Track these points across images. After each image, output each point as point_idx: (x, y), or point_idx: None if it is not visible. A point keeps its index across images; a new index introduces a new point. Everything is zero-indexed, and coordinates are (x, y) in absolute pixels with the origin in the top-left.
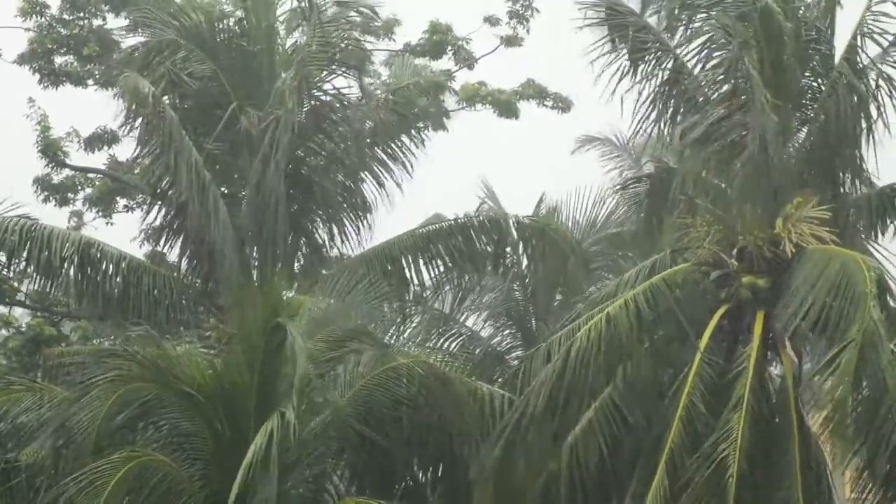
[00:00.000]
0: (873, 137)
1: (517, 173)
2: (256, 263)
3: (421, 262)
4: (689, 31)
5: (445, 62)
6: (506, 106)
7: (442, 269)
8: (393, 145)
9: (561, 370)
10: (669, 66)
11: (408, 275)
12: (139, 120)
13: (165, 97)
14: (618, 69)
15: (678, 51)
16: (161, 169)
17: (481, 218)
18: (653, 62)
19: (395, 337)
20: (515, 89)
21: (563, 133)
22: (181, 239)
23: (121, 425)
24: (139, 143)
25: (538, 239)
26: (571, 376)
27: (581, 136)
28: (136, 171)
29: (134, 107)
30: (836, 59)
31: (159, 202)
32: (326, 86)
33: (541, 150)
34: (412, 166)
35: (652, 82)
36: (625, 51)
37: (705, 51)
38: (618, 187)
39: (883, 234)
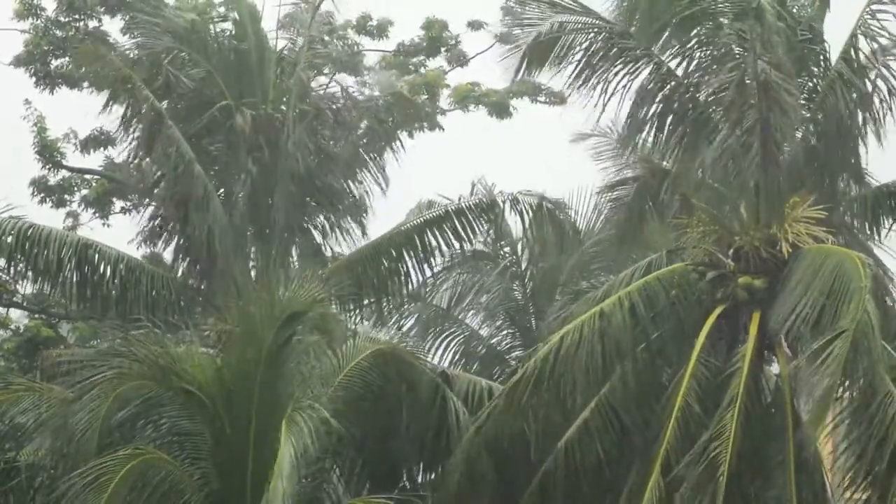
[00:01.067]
0: (875, 136)
1: (514, 173)
2: (254, 262)
3: (420, 253)
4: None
5: (439, 61)
6: (498, 106)
7: (439, 259)
8: (381, 148)
9: (552, 363)
10: (649, 70)
11: (405, 268)
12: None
13: (164, 102)
14: (586, 77)
15: (665, 56)
16: (146, 153)
17: (476, 199)
18: (631, 67)
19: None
20: (508, 88)
21: (560, 132)
22: (177, 237)
23: (121, 423)
24: (121, 124)
25: (535, 212)
26: (562, 369)
27: (577, 132)
28: (132, 165)
29: (96, 73)
30: (832, 58)
31: (154, 200)
32: (322, 86)
33: (538, 149)
34: (395, 169)
35: (637, 86)
36: (585, 59)
37: (708, 54)
38: (600, 190)
39: (879, 234)
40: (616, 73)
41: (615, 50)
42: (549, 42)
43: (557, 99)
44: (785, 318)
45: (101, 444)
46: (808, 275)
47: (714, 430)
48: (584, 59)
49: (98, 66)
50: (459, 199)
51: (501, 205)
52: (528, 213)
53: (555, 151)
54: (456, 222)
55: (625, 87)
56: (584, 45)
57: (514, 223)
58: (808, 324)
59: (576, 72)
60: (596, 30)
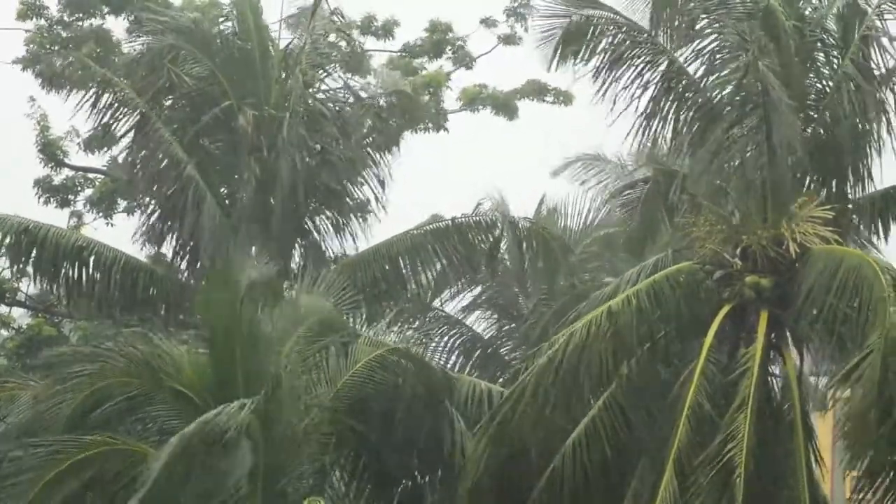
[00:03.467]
0: (880, 138)
1: (520, 172)
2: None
3: (418, 261)
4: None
5: (443, 62)
6: (504, 105)
7: (439, 267)
8: (385, 148)
9: (558, 362)
10: (663, 68)
11: (405, 274)
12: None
13: (169, 99)
14: (606, 72)
15: (676, 53)
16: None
17: (478, 218)
18: (646, 64)
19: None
20: (515, 88)
21: (565, 132)
22: (177, 237)
23: (106, 420)
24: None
25: (534, 241)
26: (568, 368)
27: (565, 158)
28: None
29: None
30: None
31: (147, 198)
32: (324, 86)
33: (540, 148)
34: (397, 168)
35: (646, 84)
36: (607, 54)
37: (715, 54)
38: (609, 195)
39: (886, 235)
40: (633, 71)
41: (635, 48)
42: (578, 33)
43: (564, 98)
44: (804, 323)
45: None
46: (824, 278)
47: (728, 432)
48: (606, 55)
49: (83, 72)
50: (463, 216)
51: (500, 226)
52: (525, 240)
53: (557, 150)
54: (457, 238)
55: (643, 85)
56: (607, 41)
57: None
58: (828, 330)
59: (600, 65)
60: (617, 26)
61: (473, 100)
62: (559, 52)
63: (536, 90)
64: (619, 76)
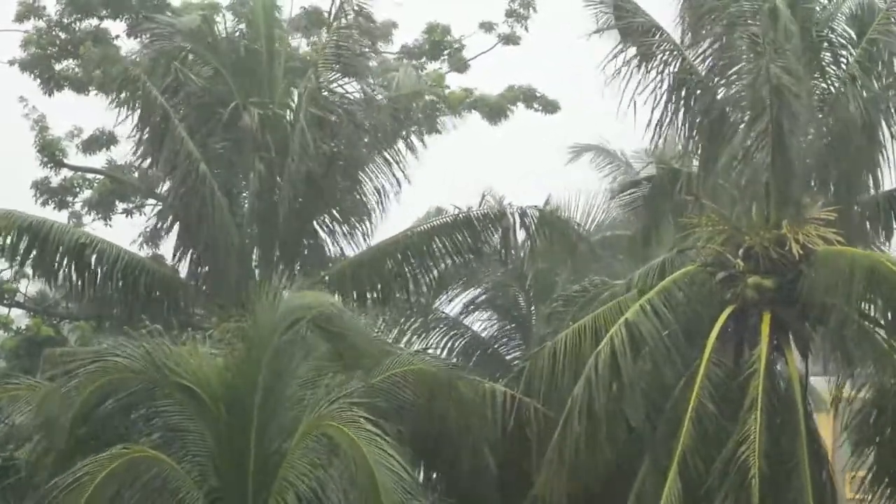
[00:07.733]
0: (886, 139)
1: (515, 176)
2: (257, 262)
3: (427, 258)
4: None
5: (440, 64)
6: (495, 110)
7: (449, 262)
8: (392, 148)
9: (595, 384)
10: (677, 66)
11: (410, 273)
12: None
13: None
14: (625, 72)
15: (688, 52)
16: (154, 156)
17: (485, 210)
18: (661, 63)
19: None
20: (503, 93)
21: (563, 136)
22: (180, 237)
23: (109, 416)
24: (134, 128)
25: (546, 227)
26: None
27: (574, 144)
28: (135, 165)
29: (119, 86)
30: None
31: (157, 200)
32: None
33: (531, 152)
34: (405, 170)
35: (660, 83)
36: (633, 52)
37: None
38: (613, 193)
39: (890, 237)
40: (653, 71)
41: (653, 47)
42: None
43: (550, 106)
44: (806, 323)
45: (78, 436)
46: (835, 280)
47: (740, 434)
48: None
49: (106, 66)
50: (469, 209)
51: (511, 217)
52: (534, 226)
53: (549, 154)
54: (465, 232)
55: (657, 85)
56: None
57: (517, 227)
58: (834, 331)
59: (629, 64)
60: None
61: (459, 104)
62: (621, 45)
63: (525, 96)
64: (641, 76)
